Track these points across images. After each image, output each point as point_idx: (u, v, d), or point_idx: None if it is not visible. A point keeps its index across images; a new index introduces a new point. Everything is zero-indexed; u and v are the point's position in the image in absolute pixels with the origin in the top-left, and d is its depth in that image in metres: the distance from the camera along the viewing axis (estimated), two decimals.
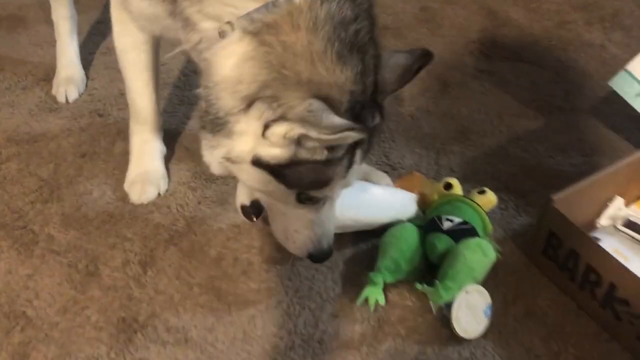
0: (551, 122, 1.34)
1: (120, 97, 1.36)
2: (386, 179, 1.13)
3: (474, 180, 1.17)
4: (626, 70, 1.09)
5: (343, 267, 1.04)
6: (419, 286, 0.95)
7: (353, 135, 0.73)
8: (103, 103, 1.35)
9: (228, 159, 0.80)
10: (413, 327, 0.95)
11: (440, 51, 1.51)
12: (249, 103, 0.74)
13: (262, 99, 0.73)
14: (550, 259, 0.99)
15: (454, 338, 0.93)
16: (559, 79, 1.45)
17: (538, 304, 0.99)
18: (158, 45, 1.08)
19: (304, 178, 0.79)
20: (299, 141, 0.75)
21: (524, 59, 1.52)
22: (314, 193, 0.82)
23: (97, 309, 0.97)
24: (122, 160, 1.21)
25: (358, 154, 0.81)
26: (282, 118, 0.73)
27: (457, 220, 1.00)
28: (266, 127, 0.74)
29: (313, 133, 0.72)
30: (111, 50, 1.50)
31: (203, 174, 1.19)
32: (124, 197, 1.15)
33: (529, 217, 1.12)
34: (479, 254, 0.95)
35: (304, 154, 0.76)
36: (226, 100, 0.76)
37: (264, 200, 0.90)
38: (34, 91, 1.38)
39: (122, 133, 1.27)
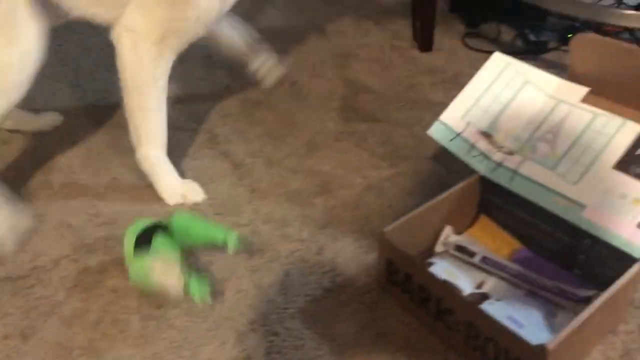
0: (401, 170, 1.53)
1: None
2: None
3: (333, 227, 1.33)
4: (440, 121, 1.29)
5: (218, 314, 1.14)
6: None
7: None
8: None
9: None
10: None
11: (306, 119, 1.71)
12: None
13: None
14: (394, 285, 1.14)
15: None
16: (408, 133, 1.67)
17: (389, 324, 1.12)
18: None
19: None
20: None
21: (379, 119, 1.73)
22: None
23: None
24: None
25: None
26: None
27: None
28: None
29: None
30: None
31: (83, 245, 1.28)
32: (7, 276, 1.21)
33: None
34: None
35: None
36: None
37: None
38: None
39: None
